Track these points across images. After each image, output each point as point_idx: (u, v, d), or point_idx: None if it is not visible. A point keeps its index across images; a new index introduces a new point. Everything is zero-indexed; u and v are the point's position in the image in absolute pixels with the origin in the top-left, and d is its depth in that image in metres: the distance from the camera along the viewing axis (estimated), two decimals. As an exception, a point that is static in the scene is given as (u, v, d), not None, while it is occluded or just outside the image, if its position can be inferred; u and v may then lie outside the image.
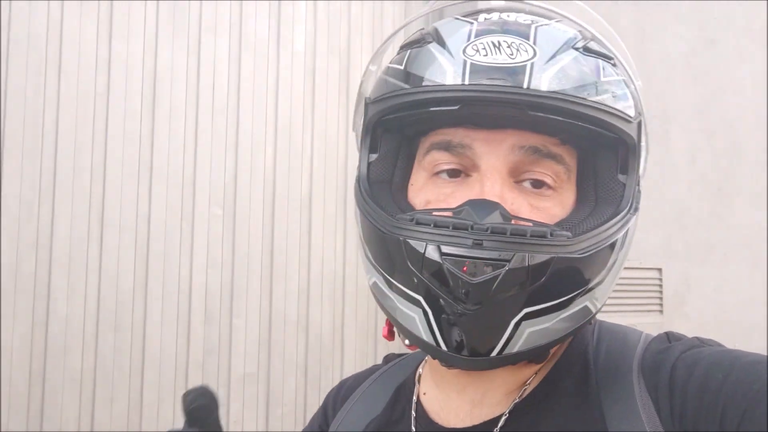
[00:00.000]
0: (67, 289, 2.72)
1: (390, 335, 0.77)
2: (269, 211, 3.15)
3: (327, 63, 3.34)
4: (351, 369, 3.26)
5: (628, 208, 0.68)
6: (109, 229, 2.81)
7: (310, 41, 3.31)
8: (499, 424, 0.71)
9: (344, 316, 3.30)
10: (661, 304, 4.03)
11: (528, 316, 0.63)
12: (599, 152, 0.70)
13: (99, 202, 2.80)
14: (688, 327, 4.02)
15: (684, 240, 4.13)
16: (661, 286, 4.02)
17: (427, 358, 0.84)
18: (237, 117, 3.11)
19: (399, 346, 0.77)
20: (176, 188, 2.95)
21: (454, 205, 0.66)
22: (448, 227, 0.62)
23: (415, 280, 0.64)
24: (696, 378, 0.63)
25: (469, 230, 0.61)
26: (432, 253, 0.62)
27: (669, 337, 0.72)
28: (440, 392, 0.78)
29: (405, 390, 0.84)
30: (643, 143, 0.71)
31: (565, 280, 0.64)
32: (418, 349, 0.73)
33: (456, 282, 0.61)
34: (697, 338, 0.71)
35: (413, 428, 0.77)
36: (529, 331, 0.64)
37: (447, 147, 0.68)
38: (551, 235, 0.62)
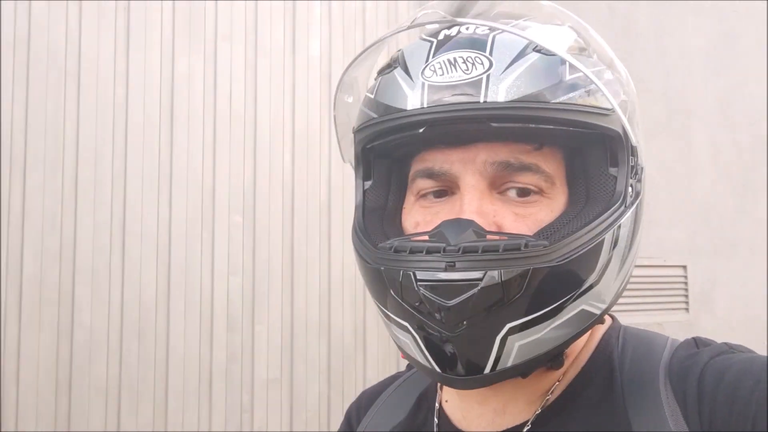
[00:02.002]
0: (91, 298, 2.75)
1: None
2: (288, 217, 3.16)
3: (342, 67, 3.33)
4: (373, 372, 3.25)
5: (619, 202, 0.66)
6: (131, 238, 2.83)
7: (325, 45, 3.32)
8: None
9: (366, 320, 3.29)
10: (686, 302, 3.97)
11: (513, 330, 0.62)
12: (585, 149, 0.68)
13: (120, 212, 2.83)
14: (714, 324, 3.95)
15: (709, 236, 4.07)
16: (686, 283, 3.96)
17: None
18: (255, 123, 3.12)
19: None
20: (196, 196, 2.97)
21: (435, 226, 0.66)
22: (422, 252, 0.62)
23: (400, 308, 0.65)
24: (726, 385, 0.62)
25: (441, 253, 0.61)
26: (407, 279, 0.62)
27: (697, 342, 0.70)
28: (461, 401, 0.77)
29: (427, 397, 0.83)
30: (631, 131, 0.68)
31: (548, 289, 0.62)
32: None
33: (433, 306, 0.61)
34: (726, 344, 0.69)
35: None
36: (519, 344, 0.63)
37: (430, 175, 0.69)
38: (526, 246, 0.61)
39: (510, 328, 0.62)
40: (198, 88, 3.01)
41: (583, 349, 0.74)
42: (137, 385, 2.81)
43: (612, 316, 0.78)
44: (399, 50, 0.73)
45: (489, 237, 0.63)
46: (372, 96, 0.71)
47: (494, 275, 0.60)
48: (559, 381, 0.72)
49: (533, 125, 0.63)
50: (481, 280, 0.60)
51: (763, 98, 4.32)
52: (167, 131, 2.94)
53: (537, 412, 0.70)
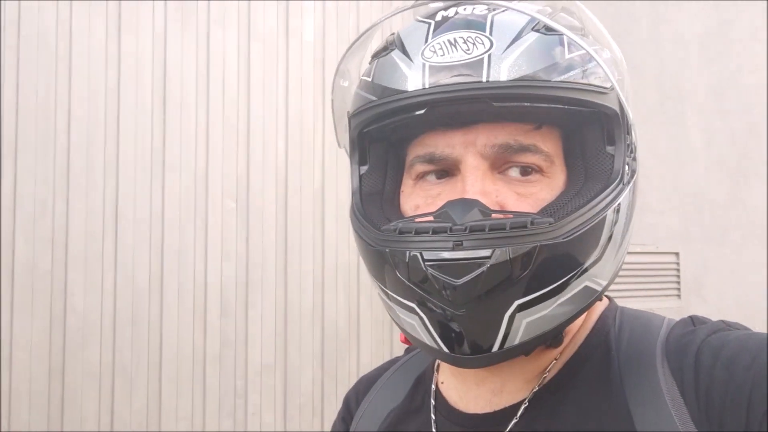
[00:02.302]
0: (84, 284, 2.74)
1: (407, 340, 0.77)
2: (282, 203, 3.15)
3: (336, 52, 3.32)
4: (367, 357, 3.27)
5: (618, 180, 0.67)
6: (124, 224, 2.82)
7: (319, 31, 3.30)
8: (519, 412, 0.70)
9: (359, 306, 3.30)
10: (678, 289, 3.99)
11: (521, 308, 0.62)
12: (582, 128, 0.69)
13: (113, 198, 2.81)
14: (706, 311, 3.98)
15: (701, 223, 4.09)
16: (678, 270, 3.98)
17: None
18: (248, 109, 3.10)
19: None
20: (189, 182, 2.96)
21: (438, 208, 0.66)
22: (428, 232, 0.62)
23: (406, 289, 0.65)
24: (723, 361, 0.62)
25: (448, 232, 0.61)
26: (415, 260, 0.62)
27: (693, 320, 0.71)
28: (459, 382, 0.78)
29: (424, 379, 0.84)
30: (627, 111, 0.69)
31: (555, 265, 0.63)
32: None
33: (441, 286, 0.61)
34: (722, 321, 0.70)
35: (432, 416, 0.77)
36: (526, 321, 0.63)
37: (431, 159, 0.69)
38: (532, 224, 0.61)
39: (518, 306, 0.62)
40: (191, 73, 2.99)
41: (580, 328, 0.74)
42: (131, 370, 2.81)
43: (609, 298, 0.79)
44: (393, 33, 0.73)
45: (494, 216, 0.63)
46: (369, 79, 0.71)
47: (503, 253, 0.60)
48: (556, 360, 0.72)
49: (534, 104, 0.64)
50: (489, 258, 0.60)
51: (757, 86, 4.33)
52: (160, 116, 2.92)
53: (534, 390, 0.71)
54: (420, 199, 0.70)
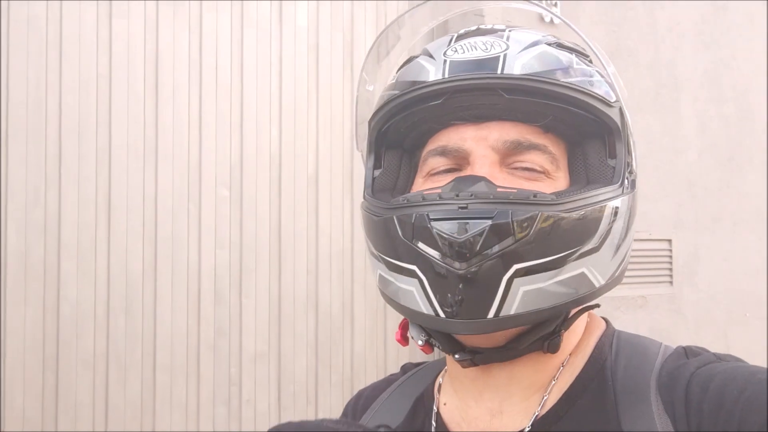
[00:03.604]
0: (77, 273, 2.73)
1: (403, 340, 0.78)
2: (276, 190, 3.14)
3: (330, 38, 3.29)
4: (361, 346, 3.27)
5: (618, 183, 0.70)
6: (117, 212, 2.80)
7: (312, 16, 3.26)
8: None
9: (353, 293, 3.30)
10: (671, 275, 4.01)
11: (519, 273, 0.64)
12: (586, 141, 0.72)
13: (105, 186, 2.79)
14: (697, 297, 4.00)
15: (694, 210, 4.10)
16: (671, 257, 4.00)
17: (447, 366, 0.83)
18: (241, 95, 3.08)
19: (412, 350, 0.76)
20: (182, 170, 2.94)
21: None
22: (436, 198, 0.66)
23: (409, 251, 0.66)
24: (711, 395, 0.63)
25: (454, 198, 0.64)
26: (421, 220, 0.65)
27: (687, 352, 0.72)
28: (459, 401, 0.78)
29: (424, 401, 0.84)
30: (628, 131, 0.73)
31: (553, 238, 0.64)
32: (435, 357, 0.73)
33: (444, 242, 0.63)
34: (714, 354, 0.71)
35: None
36: (524, 290, 0.64)
37: (443, 152, 0.72)
38: (535, 196, 0.64)
39: (516, 270, 0.64)
40: (183, 59, 2.96)
41: (579, 354, 0.75)
42: (124, 359, 2.80)
43: (606, 320, 0.79)
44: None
45: (499, 190, 0.66)
46: (393, 81, 0.76)
47: (505, 213, 0.62)
48: (554, 384, 0.72)
49: (544, 100, 0.68)
50: (492, 218, 0.62)
51: (752, 73, 4.32)
52: (152, 103, 2.89)
53: (534, 419, 0.71)
54: (429, 185, 0.73)
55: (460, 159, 0.71)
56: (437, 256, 0.64)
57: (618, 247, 0.70)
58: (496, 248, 0.62)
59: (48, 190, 2.68)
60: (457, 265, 0.63)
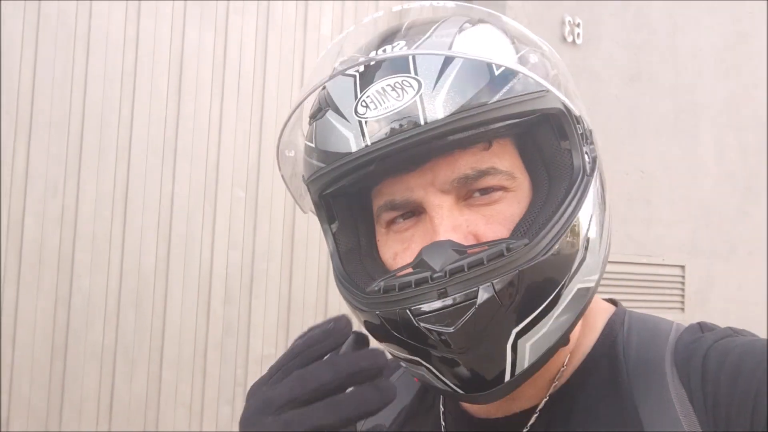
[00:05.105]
0: (90, 265, 2.76)
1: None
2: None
3: (353, 48, 3.32)
4: (368, 354, 3.27)
5: (580, 175, 0.66)
6: (133, 207, 2.83)
7: (336, 25, 3.30)
8: (531, 421, 0.71)
9: (362, 302, 3.31)
10: (682, 302, 3.98)
11: (520, 334, 0.63)
12: (533, 132, 0.68)
13: (123, 181, 2.83)
14: (709, 325, 3.97)
15: (709, 237, 4.08)
16: (683, 283, 3.97)
17: None
18: (262, 99, 3.11)
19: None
20: (200, 169, 2.97)
21: (415, 253, 0.66)
22: (411, 286, 0.62)
23: (405, 345, 0.65)
24: (728, 366, 0.63)
25: (429, 282, 0.61)
26: (405, 318, 0.62)
27: (702, 327, 0.72)
28: None
29: None
30: (570, 104, 0.67)
31: (542, 283, 0.63)
32: None
33: (436, 337, 0.61)
34: (730, 328, 0.70)
35: (442, 421, 0.78)
36: (529, 344, 0.64)
37: (393, 206, 0.68)
38: (508, 250, 0.61)
39: (517, 333, 0.63)
40: (207, 61, 3.00)
41: (588, 334, 0.74)
42: (132, 352, 2.82)
43: (615, 302, 0.79)
44: (323, 89, 0.72)
45: (470, 251, 0.63)
46: (312, 144, 0.71)
47: (487, 289, 0.60)
48: (564, 366, 0.72)
49: (478, 130, 0.63)
50: (476, 298, 0.60)
51: (772, 102, 4.31)
52: (174, 102, 2.93)
53: (545, 399, 0.71)
54: (396, 244, 0.69)
55: (412, 207, 0.68)
56: (435, 351, 0.63)
57: (601, 235, 0.69)
58: (489, 326, 0.61)
59: (67, 181, 2.72)
60: (457, 353, 0.62)
